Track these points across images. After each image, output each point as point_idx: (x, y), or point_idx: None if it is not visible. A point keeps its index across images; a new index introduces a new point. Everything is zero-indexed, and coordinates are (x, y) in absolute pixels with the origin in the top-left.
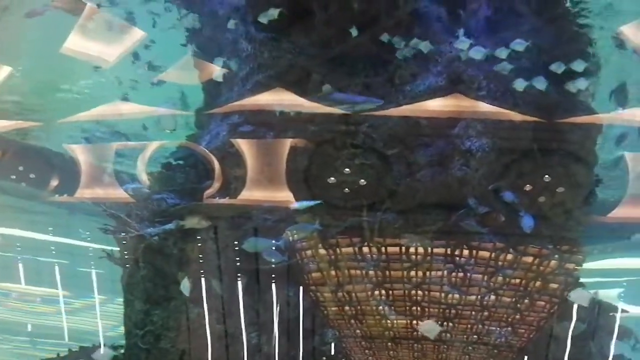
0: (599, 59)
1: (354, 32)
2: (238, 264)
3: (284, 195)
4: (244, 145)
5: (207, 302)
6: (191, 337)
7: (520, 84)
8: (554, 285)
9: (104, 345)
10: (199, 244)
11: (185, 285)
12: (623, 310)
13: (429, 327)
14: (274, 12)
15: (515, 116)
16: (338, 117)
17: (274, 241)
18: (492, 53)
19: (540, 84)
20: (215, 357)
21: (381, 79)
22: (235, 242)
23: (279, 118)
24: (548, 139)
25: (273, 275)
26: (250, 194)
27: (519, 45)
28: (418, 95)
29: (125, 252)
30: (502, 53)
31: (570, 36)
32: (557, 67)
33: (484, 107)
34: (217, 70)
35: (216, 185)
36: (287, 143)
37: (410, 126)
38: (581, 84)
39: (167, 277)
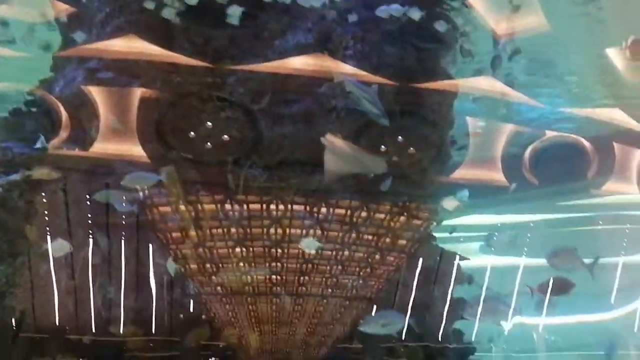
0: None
1: None
2: (89, 217)
3: (139, 150)
4: (96, 94)
5: (54, 258)
6: (38, 293)
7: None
8: (403, 242)
9: None
10: (48, 197)
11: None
12: (462, 258)
13: (308, 243)
14: None
15: (375, 79)
16: (204, 70)
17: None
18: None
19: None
20: (63, 314)
21: (249, 32)
22: (87, 196)
23: (143, 66)
24: (407, 102)
25: (124, 231)
26: (103, 147)
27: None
28: (286, 51)
29: None
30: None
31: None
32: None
33: (347, 68)
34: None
35: (64, 135)
36: (138, 93)
37: (278, 82)
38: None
39: (11, 232)
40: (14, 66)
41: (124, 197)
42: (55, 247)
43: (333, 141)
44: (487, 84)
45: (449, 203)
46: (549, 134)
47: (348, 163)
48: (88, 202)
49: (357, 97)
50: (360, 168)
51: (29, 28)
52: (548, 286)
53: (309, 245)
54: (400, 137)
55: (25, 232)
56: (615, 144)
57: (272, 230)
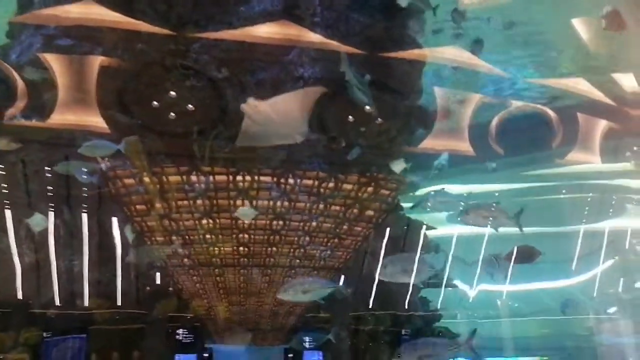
0: None
1: None
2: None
3: (99, 120)
4: (54, 62)
5: (15, 232)
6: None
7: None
8: (371, 213)
9: None
10: (7, 169)
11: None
12: (429, 227)
13: (244, 212)
14: None
15: (342, 48)
16: (166, 37)
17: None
18: None
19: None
20: (26, 288)
21: None
22: (47, 168)
23: (105, 33)
24: (375, 72)
25: (87, 203)
26: (62, 117)
27: None
28: (252, 18)
29: None
30: None
31: None
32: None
33: (313, 36)
34: None
35: (20, 105)
36: (97, 62)
37: (244, 49)
38: None
39: None
40: None
41: (85, 169)
42: (33, 222)
43: (256, 105)
44: (454, 53)
45: (397, 165)
46: (515, 103)
47: (267, 130)
48: (48, 175)
49: (352, 84)
50: (279, 136)
51: None
52: (513, 255)
53: (245, 214)
54: (367, 107)
55: None
56: (579, 114)
57: (238, 202)
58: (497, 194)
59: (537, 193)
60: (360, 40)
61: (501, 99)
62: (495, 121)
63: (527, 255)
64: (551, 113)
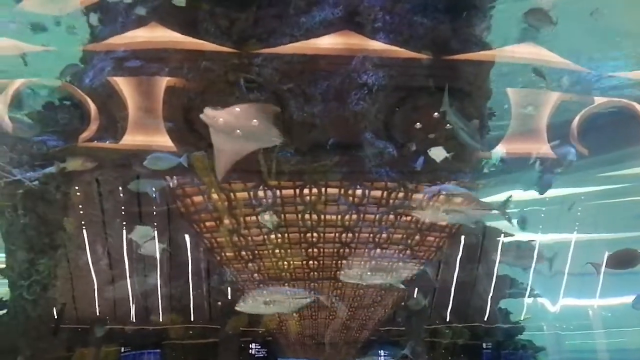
0: None
1: None
2: (123, 207)
3: (165, 140)
4: (123, 85)
5: (91, 249)
6: (79, 284)
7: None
8: (443, 223)
9: None
10: (82, 188)
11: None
12: (507, 234)
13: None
14: None
15: (406, 53)
16: (229, 53)
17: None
18: None
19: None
20: (102, 303)
21: (274, 11)
22: (120, 187)
23: (170, 53)
24: (441, 75)
25: (156, 221)
26: (133, 139)
27: None
28: (313, 28)
29: (2, 200)
30: None
31: None
32: None
33: (376, 44)
34: None
35: (93, 127)
36: (164, 82)
37: (306, 60)
38: None
39: (51, 224)
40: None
41: (155, 188)
42: (138, 234)
43: (214, 115)
44: (528, 51)
45: (436, 153)
46: (598, 100)
47: (235, 137)
48: (121, 194)
49: (457, 128)
50: (253, 142)
51: (56, 21)
52: (615, 259)
53: (268, 220)
54: (435, 113)
55: (64, 224)
56: None
57: (306, 216)
58: (582, 198)
59: (623, 194)
60: (424, 44)
61: (583, 96)
62: (577, 120)
63: (627, 259)
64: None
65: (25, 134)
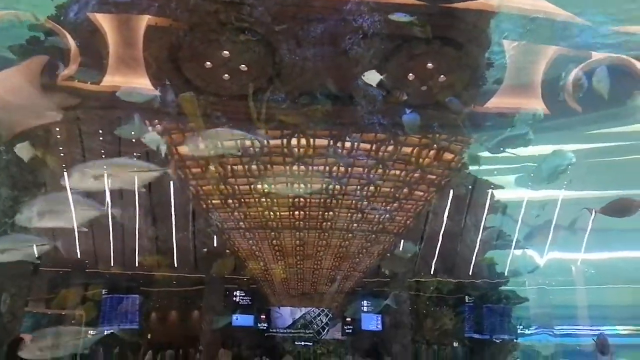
0: None
1: None
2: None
3: (146, 82)
4: (104, 22)
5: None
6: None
7: None
8: (432, 177)
9: None
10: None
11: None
12: (496, 187)
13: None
14: None
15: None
16: None
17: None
18: None
19: None
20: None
21: None
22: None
23: None
24: (438, 25)
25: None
26: (111, 79)
27: None
28: None
29: None
30: None
31: None
32: None
33: None
34: None
35: (73, 67)
36: (144, 21)
37: (299, 1)
38: None
39: (34, 161)
40: None
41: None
42: (148, 139)
43: None
44: (529, 2)
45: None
46: (595, 55)
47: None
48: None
49: None
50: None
51: None
52: (611, 207)
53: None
54: (430, 63)
55: (47, 161)
56: None
57: (294, 167)
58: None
59: (619, 153)
60: None
61: (581, 50)
62: (572, 75)
63: (623, 207)
64: (637, 64)
65: None
